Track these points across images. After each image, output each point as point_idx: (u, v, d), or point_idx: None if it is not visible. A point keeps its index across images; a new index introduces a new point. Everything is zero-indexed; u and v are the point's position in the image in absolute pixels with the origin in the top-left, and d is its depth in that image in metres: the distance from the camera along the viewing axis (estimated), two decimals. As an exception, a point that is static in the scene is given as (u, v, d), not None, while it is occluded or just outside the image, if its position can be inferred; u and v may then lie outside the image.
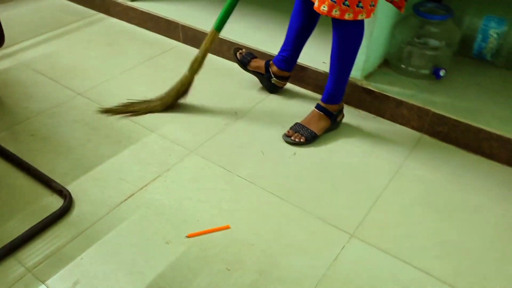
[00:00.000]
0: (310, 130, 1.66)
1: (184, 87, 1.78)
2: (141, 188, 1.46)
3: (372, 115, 1.82)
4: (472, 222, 1.37)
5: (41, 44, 2.27)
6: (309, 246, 1.29)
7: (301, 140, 1.65)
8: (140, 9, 2.37)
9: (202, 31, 2.17)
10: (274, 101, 1.90)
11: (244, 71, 1.95)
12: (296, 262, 1.24)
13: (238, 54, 1.94)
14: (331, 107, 1.67)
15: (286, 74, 1.86)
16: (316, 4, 1.44)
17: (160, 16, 2.31)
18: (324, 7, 1.41)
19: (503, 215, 1.40)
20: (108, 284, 1.17)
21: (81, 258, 1.23)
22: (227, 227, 1.31)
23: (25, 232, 1.28)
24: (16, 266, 1.21)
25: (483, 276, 1.21)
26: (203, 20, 2.24)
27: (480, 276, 1.21)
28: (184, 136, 1.69)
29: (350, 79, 1.81)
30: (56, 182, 1.44)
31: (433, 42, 1.79)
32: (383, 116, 1.80)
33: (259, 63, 1.89)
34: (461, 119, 1.63)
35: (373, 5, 1.42)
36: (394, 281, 1.20)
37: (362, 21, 1.49)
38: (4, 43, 1.69)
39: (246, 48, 2.03)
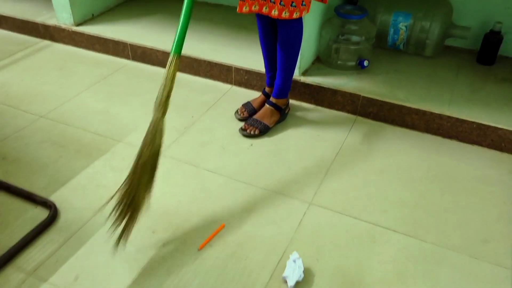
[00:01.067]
0: (263, 123, 1.88)
1: (157, 135, 1.37)
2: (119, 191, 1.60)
3: (312, 105, 2.09)
4: (405, 179, 1.66)
5: (-10, 75, 2.33)
6: (276, 217, 1.50)
7: (256, 132, 1.87)
8: (87, 33, 2.49)
9: (151, 47, 2.35)
10: (225, 103, 2.11)
11: (195, 79, 2.15)
12: (267, 232, 1.45)
13: (240, 114, 1.98)
14: (280, 102, 1.90)
15: None
16: (275, 13, 1.62)
17: (107, 38, 2.45)
18: (274, 11, 1.62)
19: (428, 170, 1.70)
20: (106, 272, 1.31)
21: (77, 257, 1.36)
22: (223, 226, 1.47)
23: (19, 241, 1.38)
24: (16, 272, 1.31)
25: (418, 222, 1.49)
26: (150, 38, 2.41)
27: (416, 222, 1.49)
28: (150, 142, 1.85)
29: (290, 76, 2.08)
30: (38, 195, 1.55)
31: (355, 38, 2.09)
32: (322, 105, 2.07)
33: (260, 99, 2.00)
34: (386, 99, 1.93)
35: (305, 5, 1.62)
36: (349, 235, 1.44)
37: (300, 19, 1.69)
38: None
39: (188, 57, 2.23)
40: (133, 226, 1.31)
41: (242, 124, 1.92)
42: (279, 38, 1.75)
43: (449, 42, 2.31)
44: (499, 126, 1.76)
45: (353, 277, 1.31)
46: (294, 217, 1.51)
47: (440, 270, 1.33)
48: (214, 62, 2.23)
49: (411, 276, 1.31)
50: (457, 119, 1.82)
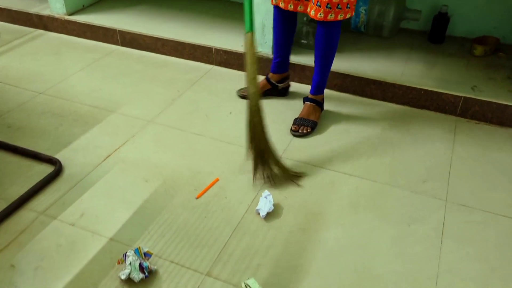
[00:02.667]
0: (311, 120, 1.95)
1: (260, 104, 1.60)
2: (115, 150, 1.84)
3: (284, 81, 2.35)
4: (362, 138, 1.93)
5: (-10, 60, 2.53)
6: (251, 167, 1.76)
7: (308, 130, 1.93)
8: (79, 22, 2.72)
9: (138, 33, 2.58)
10: (207, 80, 2.36)
11: (179, 61, 2.39)
12: (244, 178, 1.70)
13: (242, 93, 2.19)
14: (319, 97, 1.99)
15: (284, 74, 2.14)
16: (313, 13, 1.74)
17: (97, 25, 2.68)
18: (320, 14, 1.72)
19: (382, 131, 1.98)
20: (107, 212, 1.55)
21: (81, 200, 1.60)
22: (217, 180, 1.70)
23: (29, 189, 1.61)
24: (28, 213, 1.54)
25: (371, 168, 1.76)
26: (138, 24, 2.65)
27: (369, 169, 1.76)
28: (141, 112, 2.08)
29: (263, 55, 2.34)
30: (43, 154, 1.78)
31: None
32: (293, 80, 2.34)
33: (262, 83, 2.14)
34: (348, 72, 2.21)
35: (349, 7, 1.72)
36: (313, 179, 1.70)
37: (340, 22, 1.78)
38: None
39: (173, 41, 2.48)
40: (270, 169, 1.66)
41: (221, 97, 2.16)
42: (319, 37, 1.83)
43: (404, 24, 2.61)
44: (443, 91, 2.05)
45: (314, 209, 1.57)
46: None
47: (386, 202, 1.60)
48: (196, 44, 2.48)
49: (363, 207, 1.58)
50: (408, 87, 2.10)
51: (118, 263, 1.33)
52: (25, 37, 2.79)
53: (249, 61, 1.54)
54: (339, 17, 1.74)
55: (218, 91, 2.26)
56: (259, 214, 1.53)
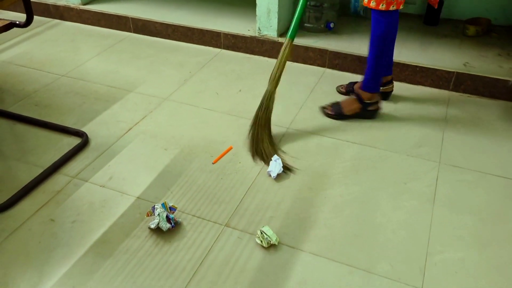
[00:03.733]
0: (341, 108, 1.99)
1: (270, 102, 1.83)
2: (135, 124, 2.00)
3: (288, 62, 2.49)
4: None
5: (12, 47, 2.68)
6: (262, 138, 1.92)
7: (331, 112, 2.00)
8: (93, 10, 2.87)
9: (150, 20, 2.74)
10: (216, 62, 2.52)
11: (189, 46, 2.54)
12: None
13: (341, 88, 2.19)
14: (364, 95, 1.94)
15: (388, 78, 2.08)
16: (365, 1, 1.74)
17: (111, 13, 2.83)
18: (372, 2, 1.72)
19: (383, 105, 2.13)
20: (133, 175, 1.71)
21: (109, 166, 1.76)
22: (231, 147, 1.86)
23: (61, 157, 1.77)
24: (62, 177, 1.70)
25: (372, 136, 1.92)
26: (149, 12, 2.81)
27: (370, 136, 1.92)
28: (156, 91, 2.24)
29: (268, 37, 2.49)
30: (71, 127, 1.94)
31: (323, 5, 2.52)
32: (297, 61, 2.50)
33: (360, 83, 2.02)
34: (348, 52, 2.36)
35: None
36: (318, 146, 1.86)
37: (393, 13, 1.75)
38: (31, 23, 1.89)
39: (183, 27, 2.64)
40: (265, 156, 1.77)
41: (230, 77, 2.32)
42: (371, 31, 1.82)
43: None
44: (437, 68, 2.21)
45: (320, 171, 1.73)
46: (276, 137, 1.92)
47: (385, 165, 1.76)
48: (205, 29, 2.63)
49: (363, 169, 1.74)
50: (404, 64, 2.26)
51: (147, 215, 1.50)
52: (43, 26, 2.95)
53: (279, 62, 1.79)
54: (381, 7, 1.71)
55: (227, 72, 2.42)
56: (270, 175, 1.69)
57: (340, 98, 2.10)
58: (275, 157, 1.73)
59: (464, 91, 2.20)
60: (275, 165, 1.70)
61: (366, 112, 1.98)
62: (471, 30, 2.49)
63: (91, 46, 2.69)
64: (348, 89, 2.17)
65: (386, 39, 1.82)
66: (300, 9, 1.78)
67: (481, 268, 1.35)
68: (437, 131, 1.95)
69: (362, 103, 1.96)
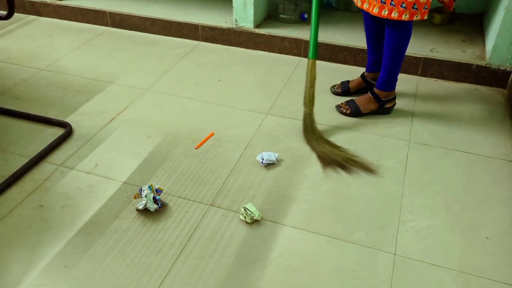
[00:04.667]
0: (357, 107, 2.00)
1: (312, 122, 1.89)
2: (118, 114, 2.05)
3: (265, 52, 2.59)
4: (340, 98, 2.19)
5: (-12, 43, 2.69)
6: (242, 123, 2.00)
7: (347, 111, 2.02)
8: (70, 6, 2.89)
9: (128, 14, 2.78)
10: (195, 54, 2.58)
11: (168, 39, 2.60)
12: (236, 131, 1.94)
13: (335, 89, 2.21)
14: (382, 94, 1.96)
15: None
16: (376, 11, 1.74)
17: (88, 8, 2.86)
18: (384, 11, 1.72)
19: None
20: (118, 162, 1.76)
21: (94, 154, 1.81)
22: (213, 133, 1.92)
23: (46, 146, 1.81)
24: (48, 166, 1.74)
25: (346, 120, 2.03)
26: (127, 6, 2.85)
27: (345, 121, 2.03)
28: (137, 82, 2.30)
29: (245, 29, 2.57)
30: (54, 118, 1.98)
31: (296, -3, 2.62)
32: (273, 51, 2.58)
33: (357, 81, 2.16)
34: (322, 41, 2.46)
35: (416, 8, 1.69)
36: (295, 130, 1.96)
37: (409, 23, 1.77)
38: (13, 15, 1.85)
39: (161, 20, 2.69)
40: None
41: (207, 68, 2.39)
42: (386, 37, 1.83)
43: None
44: (406, 54, 2.31)
45: (298, 152, 1.82)
46: (255, 123, 2.00)
47: (359, 144, 1.87)
48: (183, 22, 2.69)
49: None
50: (375, 51, 2.37)
51: (135, 197, 1.56)
52: (19, 22, 2.95)
53: (309, 84, 1.88)
54: (404, 17, 1.72)
55: (206, 63, 2.49)
56: (262, 160, 1.74)
57: (335, 99, 2.21)
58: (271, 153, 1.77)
59: (431, 75, 2.33)
60: (270, 154, 1.75)
61: (383, 109, 2.01)
62: (437, 18, 2.63)
63: (69, 41, 2.71)
64: (343, 89, 2.19)
65: (404, 44, 1.84)
66: (313, 29, 1.91)
67: (447, 233, 1.47)
68: (407, 113, 2.06)
69: (380, 102, 1.98)
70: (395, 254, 1.39)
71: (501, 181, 1.67)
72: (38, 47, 2.63)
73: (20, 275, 1.33)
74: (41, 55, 2.55)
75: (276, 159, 1.76)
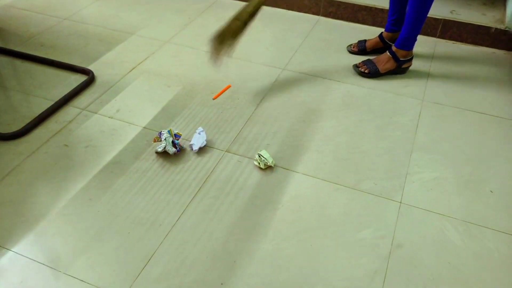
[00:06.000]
0: (375, 66, 2.00)
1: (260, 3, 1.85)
2: (139, 64, 2.11)
3: (284, 10, 2.60)
4: (357, 56, 2.21)
5: (12, -9, 2.73)
6: (259, 76, 2.04)
7: (366, 71, 2.02)
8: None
9: (148, -33, 2.78)
10: (216, 9, 2.60)
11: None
12: (253, 84, 1.99)
13: (352, 48, 2.21)
14: (400, 53, 1.96)
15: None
16: None
17: (109, -40, 2.86)
18: None
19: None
20: (139, 108, 1.83)
21: (115, 100, 1.88)
22: (229, 86, 1.97)
23: (70, 91, 1.88)
24: (72, 109, 1.82)
25: (360, 78, 2.05)
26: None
27: (358, 77, 2.05)
28: (157, 34, 2.34)
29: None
30: (77, 65, 2.04)
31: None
32: (292, 9, 2.58)
33: (375, 40, 2.16)
34: (344, 1, 2.45)
35: None
36: (316, 87, 2.00)
37: None
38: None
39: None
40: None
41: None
42: None
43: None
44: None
45: (313, 106, 1.87)
46: (272, 76, 2.04)
47: (372, 101, 1.90)
48: (203, -23, 2.70)
49: (353, 105, 1.88)
50: (395, 12, 2.36)
51: (154, 141, 1.63)
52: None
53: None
54: None
55: (224, 17, 2.49)
56: (192, 149, 1.63)
57: (351, 57, 2.22)
58: (199, 129, 1.67)
59: (450, 37, 2.32)
60: (198, 138, 1.65)
61: (400, 69, 2.02)
62: (460, -20, 2.58)
63: (90, -8, 2.75)
64: (360, 48, 2.19)
65: (429, 1, 1.81)
66: None
67: (453, 185, 1.52)
68: (423, 73, 2.08)
69: (398, 61, 1.98)
70: (401, 202, 1.46)
71: (510, 140, 1.71)
72: (60, -2, 2.68)
73: (48, 206, 1.43)
74: (64, 5, 2.59)
75: (206, 140, 1.65)
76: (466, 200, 1.47)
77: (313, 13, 2.55)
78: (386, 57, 2.01)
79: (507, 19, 2.22)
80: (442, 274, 1.26)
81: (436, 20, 2.30)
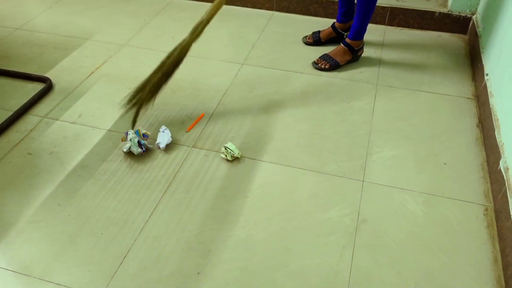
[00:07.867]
0: (335, 60, 2.08)
1: (182, 53, 1.78)
2: (97, 68, 2.10)
3: (239, 7, 2.65)
4: (313, 48, 2.29)
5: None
6: (219, 72, 2.08)
7: (326, 66, 2.08)
8: (38, -36, 2.84)
9: (99, -29, 2.76)
10: (171, 10, 2.61)
11: (141, -7, 2.62)
12: (213, 81, 2.02)
13: (307, 39, 2.30)
14: (355, 43, 2.06)
15: (351, 22, 2.17)
16: None
17: (58, -34, 2.82)
18: None
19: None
20: (101, 112, 1.83)
21: (77, 105, 1.87)
22: (203, 115, 1.93)
23: (29, 100, 1.85)
24: (32, 118, 1.80)
25: (316, 70, 2.13)
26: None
27: (315, 70, 2.13)
28: (113, 38, 2.33)
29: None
30: (34, 74, 2.01)
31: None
32: (246, 6, 2.64)
33: (328, 31, 2.26)
34: (294, -5, 2.53)
35: None
36: (271, 77, 2.05)
37: None
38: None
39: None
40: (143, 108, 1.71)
41: (183, 23, 2.43)
42: None
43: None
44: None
45: (274, 97, 1.93)
46: (231, 72, 2.09)
47: (330, 89, 1.98)
48: (155, -21, 2.70)
49: (312, 93, 1.96)
50: (345, 3, 2.46)
51: (122, 140, 1.64)
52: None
53: (205, 18, 1.78)
54: None
55: (181, 18, 2.53)
56: (159, 147, 1.66)
57: (308, 49, 2.29)
58: (162, 127, 1.70)
59: (398, 24, 2.44)
60: (163, 136, 1.67)
61: (356, 57, 2.13)
62: (403, -30, 2.72)
63: (39, 1, 2.70)
64: (314, 39, 2.28)
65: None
66: None
67: (409, 161, 1.62)
68: (375, 60, 2.18)
69: (353, 52, 2.09)
70: (363, 181, 1.54)
71: (459, 116, 1.83)
72: (10, 8, 2.61)
73: (16, 214, 1.41)
74: (14, 15, 2.53)
75: (171, 137, 1.68)
76: (423, 173, 1.57)
77: (267, 9, 2.61)
78: (342, 49, 2.09)
79: (449, 2, 2.36)
80: (405, 242, 1.34)
81: (383, 8, 2.42)
